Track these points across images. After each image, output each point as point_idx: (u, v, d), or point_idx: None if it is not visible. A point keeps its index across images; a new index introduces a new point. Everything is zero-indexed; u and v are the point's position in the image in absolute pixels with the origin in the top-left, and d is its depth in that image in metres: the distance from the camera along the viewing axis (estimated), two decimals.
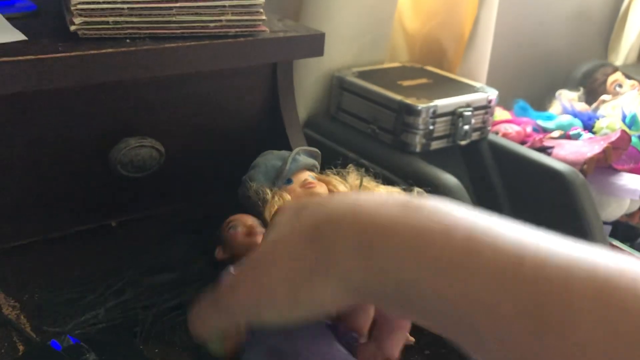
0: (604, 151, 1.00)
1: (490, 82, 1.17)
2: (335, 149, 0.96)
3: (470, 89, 0.97)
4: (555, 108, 1.29)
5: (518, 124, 1.13)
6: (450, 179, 0.85)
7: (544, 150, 1.05)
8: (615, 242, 1.07)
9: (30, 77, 0.45)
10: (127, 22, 0.50)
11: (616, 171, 1.04)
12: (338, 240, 0.27)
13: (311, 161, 0.59)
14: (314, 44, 0.60)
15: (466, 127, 0.93)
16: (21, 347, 0.41)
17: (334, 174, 0.58)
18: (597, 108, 1.28)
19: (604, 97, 1.31)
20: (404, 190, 0.57)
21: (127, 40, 0.51)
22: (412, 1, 1.10)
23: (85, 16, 0.49)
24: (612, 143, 1.01)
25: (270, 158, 0.58)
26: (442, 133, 0.92)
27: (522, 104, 1.23)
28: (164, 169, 0.57)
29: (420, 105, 0.88)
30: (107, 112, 0.53)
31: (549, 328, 0.22)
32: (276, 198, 0.53)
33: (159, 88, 0.55)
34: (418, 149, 0.91)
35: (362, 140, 0.95)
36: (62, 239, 0.54)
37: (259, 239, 0.49)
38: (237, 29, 0.54)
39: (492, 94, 0.97)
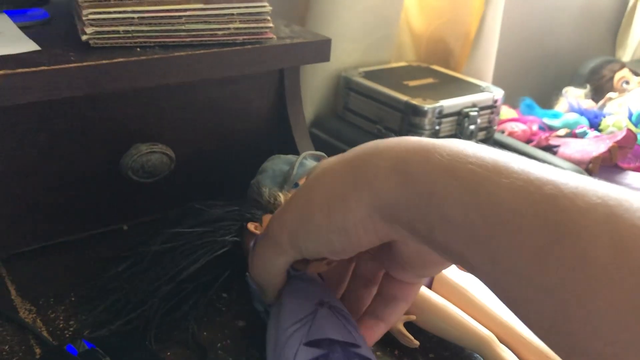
0: (610, 150, 1.01)
1: (496, 80, 1.17)
2: (342, 149, 0.97)
3: (476, 89, 0.98)
4: (561, 105, 1.29)
5: (524, 122, 1.13)
6: None
7: (550, 149, 1.06)
8: None
9: (44, 88, 0.46)
10: (137, 31, 0.52)
11: (622, 170, 1.04)
12: (377, 163, 0.30)
13: None
14: (321, 50, 0.61)
15: (472, 127, 0.94)
16: (38, 351, 0.43)
17: None
18: (603, 105, 1.29)
19: (610, 94, 1.31)
20: None
21: (138, 49, 0.52)
22: (418, 0, 1.10)
23: (97, 26, 0.50)
24: (617, 142, 1.01)
25: (278, 162, 0.59)
26: (448, 133, 0.93)
27: (528, 102, 1.24)
28: (174, 173, 0.58)
29: (426, 106, 0.89)
30: (118, 119, 0.54)
31: (565, 238, 0.23)
32: None
33: (169, 94, 0.56)
34: None
35: (368, 140, 0.96)
36: (75, 242, 0.56)
37: None
38: (245, 37, 0.55)
39: (498, 93, 0.97)
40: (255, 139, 0.64)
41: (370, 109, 0.96)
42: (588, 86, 1.38)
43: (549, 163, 0.92)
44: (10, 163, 0.50)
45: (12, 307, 0.47)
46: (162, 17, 0.52)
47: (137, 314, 0.45)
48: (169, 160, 0.56)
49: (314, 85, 1.01)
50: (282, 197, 0.55)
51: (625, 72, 1.40)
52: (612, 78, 1.40)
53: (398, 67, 1.07)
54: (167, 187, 0.58)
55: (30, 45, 0.50)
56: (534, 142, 1.08)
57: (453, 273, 0.49)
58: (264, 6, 0.55)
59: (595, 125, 1.16)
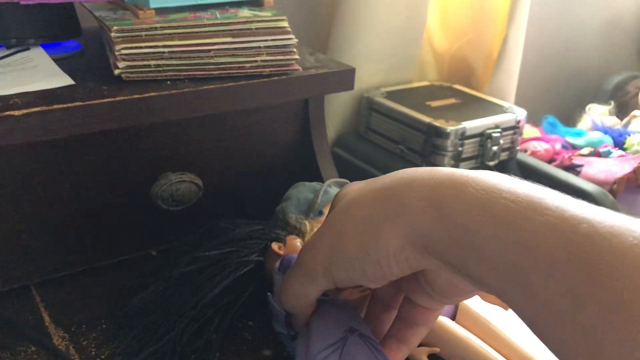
0: (635, 170, 1.00)
1: (518, 97, 1.17)
2: (364, 169, 0.98)
3: (499, 110, 0.98)
4: (584, 123, 1.29)
5: (547, 141, 1.13)
6: None
7: (573, 168, 1.05)
8: None
9: (78, 123, 0.48)
10: (167, 65, 0.53)
11: None
12: (409, 195, 0.30)
13: None
14: (345, 79, 0.62)
15: (495, 148, 0.94)
16: None
17: None
18: (628, 123, 1.27)
19: (635, 112, 1.30)
20: None
21: (168, 82, 0.53)
22: (440, 20, 1.11)
23: (129, 60, 0.52)
24: None
25: (302, 190, 0.60)
26: (470, 154, 0.93)
27: (551, 120, 1.23)
28: (201, 200, 0.59)
29: (449, 128, 0.89)
30: (148, 149, 0.56)
31: (600, 279, 0.23)
32: (314, 230, 0.55)
33: (197, 124, 0.57)
34: None
35: (390, 161, 0.97)
36: (105, 268, 0.57)
37: None
38: (272, 69, 0.56)
39: (521, 114, 0.97)
40: (280, 166, 0.65)
41: (392, 130, 0.97)
42: (612, 103, 1.37)
43: (572, 184, 0.92)
44: (45, 193, 0.52)
45: (46, 334, 0.49)
46: (191, 51, 0.53)
47: (162, 343, 0.46)
48: (197, 189, 0.57)
49: (337, 105, 1.02)
50: (307, 225, 0.56)
51: None
52: (637, 94, 1.39)
53: (420, 86, 1.08)
54: (194, 213, 0.60)
55: (65, 80, 0.52)
56: (557, 162, 1.08)
57: (477, 305, 0.49)
58: (290, 39, 0.56)
59: (619, 144, 1.16)
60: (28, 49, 0.58)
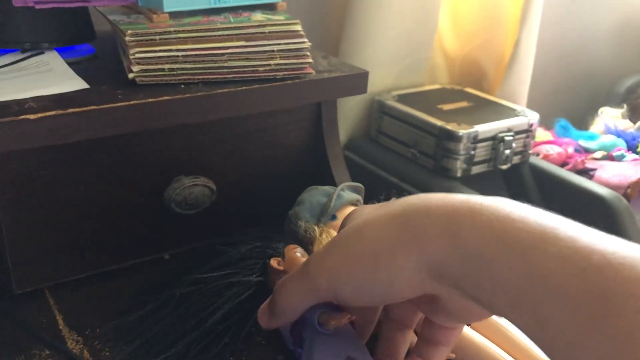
0: None
1: (530, 100, 1.17)
2: (376, 172, 0.98)
3: (511, 113, 0.97)
4: (597, 126, 1.28)
5: (559, 144, 1.12)
6: None
7: (587, 172, 1.05)
8: None
9: (93, 126, 0.48)
10: (181, 69, 0.53)
11: None
12: (425, 222, 0.30)
13: (355, 196, 0.61)
14: (358, 83, 0.61)
15: (507, 151, 0.93)
16: None
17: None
18: None
19: None
20: None
21: (182, 86, 0.53)
22: (452, 23, 1.11)
23: (143, 64, 0.52)
24: None
25: (315, 194, 0.60)
26: (482, 158, 0.93)
27: (564, 123, 1.22)
28: (214, 204, 0.59)
29: (461, 131, 0.89)
30: (161, 153, 0.56)
31: (611, 311, 0.23)
32: (324, 235, 0.55)
33: (210, 128, 0.57)
34: (459, 174, 0.91)
35: (402, 164, 0.97)
36: (118, 271, 0.57)
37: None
38: (285, 72, 0.56)
39: (534, 117, 0.97)
40: (292, 169, 0.65)
41: (404, 133, 0.97)
42: (625, 106, 1.36)
43: (586, 188, 0.91)
44: (58, 196, 0.52)
45: (60, 337, 0.49)
46: (205, 55, 0.53)
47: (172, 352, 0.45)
48: (210, 193, 0.57)
49: (348, 109, 1.02)
50: (317, 231, 0.56)
51: None
52: None
53: (432, 90, 1.08)
54: (207, 217, 0.60)
55: (80, 83, 0.52)
56: (570, 166, 1.07)
57: None
58: (303, 42, 0.56)
59: (633, 147, 1.15)
60: (42, 52, 0.58)
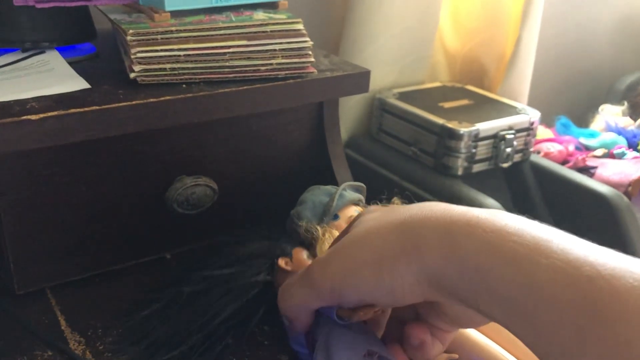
0: None
1: (531, 98, 1.17)
2: (376, 170, 0.98)
3: (512, 111, 0.97)
4: (597, 124, 1.28)
5: (560, 142, 1.12)
6: (492, 203, 0.85)
7: (587, 170, 1.05)
8: None
9: (94, 126, 0.48)
10: (183, 69, 0.53)
11: None
12: (424, 233, 0.32)
13: (357, 196, 0.61)
14: (360, 82, 0.61)
15: (508, 149, 0.93)
16: None
17: (386, 206, 0.60)
18: None
19: None
20: None
21: (183, 86, 0.53)
22: (453, 21, 1.10)
23: (144, 64, 0.52)
24: None
25: (317, 194, 0.60)
26: (484, 156, 0.93)
27: (564, 121, 1.22)
28: (216, 203, 0.59)
29: (462, 129, 0.89)
30: (163, 153, 0.55)
31: (602, 321, 0.24)
32: (326, 235, 0.55)
33: (212, 128, 0.57)
34: (460, 172, 0.91)
35: (403, 162, 0.97)
36: (119, 271, 0.57)
37: None
38: (287, 72, 0.56)
39: (535, 115, 0.97)
40: (294, 168, 0.65)
41: (405, 131, 0.97)
42: (625, 103, 1.36)
43: (587, 186, 0.91)
44: (60, 196, 0.52)
45: (63, 338, 0.49)
46: (206, 54, 0.53)
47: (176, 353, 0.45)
48: (212, 193, 0.57)
49: (349, 107, 1.02)
50: (320, 231, 0.56)
51: None
52: None
53: (432, 87, 1.07)
54: (209, 216, 0.60)
55: (81, 83, 0.52)
56: (571, 164, 1.07)
57: None
58: (305, 41, 0.56)
59: (633, 145, 1.15)
60: (43, 52, 0.58)
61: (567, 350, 0.25)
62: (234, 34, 0.54)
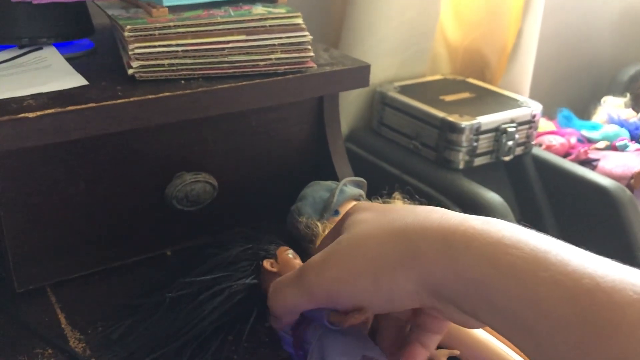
0: None
1: (532, 90, 1.16)
2: (377, 164, 0.97)
3: (514, 104, 0.97)
4: (600, 116, 1.27)
5: (562, 135, 1.12)
6: (494, 197, 0.85)
7: (590, 163, 1.04)
8: None
9: (93, 123, 0.48)
10: (181, 64, 0.52)
11: None
12: (422, 244, 0.31)
13: (357, 191, 0.61)
14: (360, 76, 0.61)
15: (510, 142, 0.93)
16: None
17: (380, 203, 0.59)
18: None
19: None
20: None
21: (182, 82, 0.53)
22: (454, 13, 1.09)
23: (142, 60, 0.51)
24: None
25: (318, 189, 0.60)
26: (485, 149, 0.92)
27: (566, 113, 1.21)
28: (216, 200, 0.59)
29: (464, 123, 0.88)
30: (162, 149, 0.55)
31: (603, 334, 0.24)
32: (327, 231, 0.55)
33: (211, 124, 0.57)
34: (461, 166, 0.91)
35: (404, 156, 0.96)
36: (119, 268, 0.57)
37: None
38: (286, 66, 0.56)
39: (537, 108, 0.96)
40: (294, 164, 0.64)
41: (406, 124, 0.96)
42: (628, 95, 1.35)
43: (589, 179, 0.90)
44: (59, 194, 0.52)
45: (63, 336, 0.48)
46: (205, 50, 0.53)
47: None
48: (211, 189, 0.57)
49: (349, 100, 1.02)
50: (320, 227, 0.56)
51: None
52: None
53: (433, 80, 1.07)
54: (209, 212, 0.59)
55: (79, 80, 0.51)
56: (573, 156, 1.06)
57: None
58: (304, 36, 0.55)
59: (636, 137, 1.14)
60: (41, 48, 0.57)
61: None
62: (232, 28, 0.53)
